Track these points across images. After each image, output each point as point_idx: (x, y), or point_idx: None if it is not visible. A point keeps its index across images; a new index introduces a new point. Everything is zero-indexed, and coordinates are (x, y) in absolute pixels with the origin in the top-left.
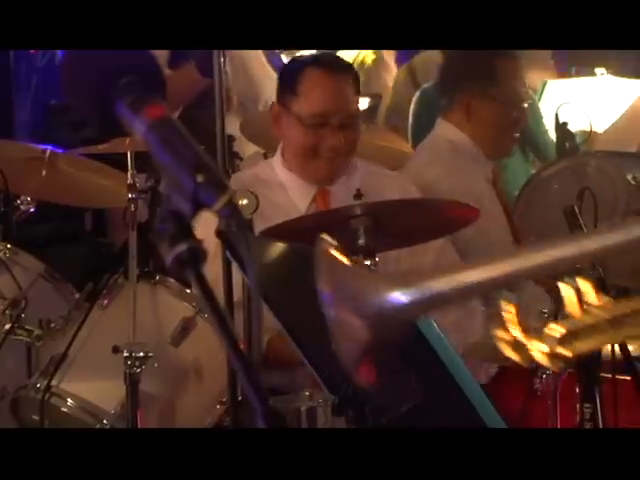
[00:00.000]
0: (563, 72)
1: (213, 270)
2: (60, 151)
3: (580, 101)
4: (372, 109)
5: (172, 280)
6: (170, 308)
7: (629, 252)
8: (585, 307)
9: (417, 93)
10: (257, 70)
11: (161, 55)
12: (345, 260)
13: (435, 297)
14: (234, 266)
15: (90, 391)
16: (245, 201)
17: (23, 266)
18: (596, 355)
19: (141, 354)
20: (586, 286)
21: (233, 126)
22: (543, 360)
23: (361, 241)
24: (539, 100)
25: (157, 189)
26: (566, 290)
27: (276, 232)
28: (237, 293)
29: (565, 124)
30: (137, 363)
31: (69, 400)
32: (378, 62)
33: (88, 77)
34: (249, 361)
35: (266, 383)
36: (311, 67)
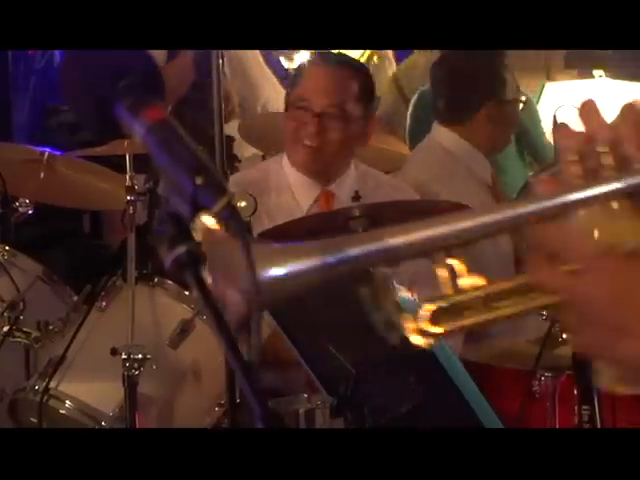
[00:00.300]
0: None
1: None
2: (58, 153)
3: (578, 104)
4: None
5: (170, 282)
6: (168, 310)
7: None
8: (460, 286)
9: (415, 96)
10: (255, 72)
11: (159, 56)
12: (225, 235)
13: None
14: None
15: (88, 393)
16: (243, 203)
17: (21, 268)
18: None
19: (139, 356)
20: (460, 265)
21: (231, 128)
22: (416, 339)
23: None
24: (537, 102)
25: (155, 191)
26: (440, 269)
27: (275, 234)
28: None
29: (564, 124)
30: (135, 365)
31: (67, 402)
32: (383, 61)
33: (87, 79)
34: (247, 363)
35: (264, 385)
36: (313, 62)
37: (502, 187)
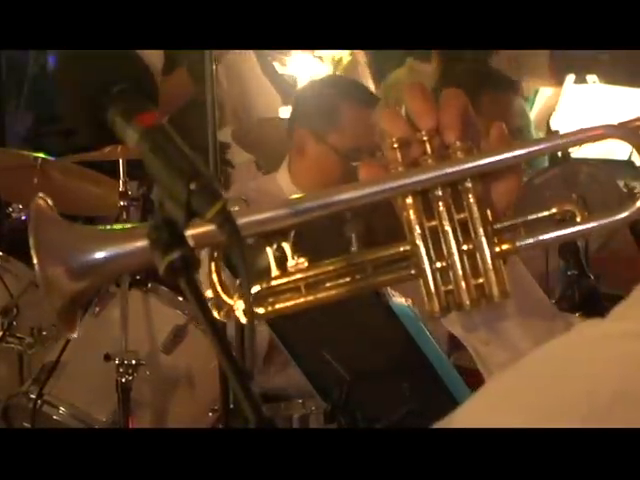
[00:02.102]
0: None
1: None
2: (52, 159)
3: (572, 109)
4: None
5: (164, 288)
6: (162, 316)
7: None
8: (287, 268)
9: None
10: (251, 78)
11: (155, 64)
12: (55, 215)
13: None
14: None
15: (82, 399)
16: (236, 208)
17: (14, 274)
18: None
19: (133, 362)
20: (286, 248)
21: (224, 134)
22: (242, 317)
23: (354, 249)
24: (531, 107)
25: (149, 196)
26: (270, 251)
27: None
28: None
29: (557, 132)
30: (129, 371)
31: (61, 408)
32: (354, 62)
33: (79, 84)
34: (241, 369)
35: (259, 390)
36: (349, 101)
37: None
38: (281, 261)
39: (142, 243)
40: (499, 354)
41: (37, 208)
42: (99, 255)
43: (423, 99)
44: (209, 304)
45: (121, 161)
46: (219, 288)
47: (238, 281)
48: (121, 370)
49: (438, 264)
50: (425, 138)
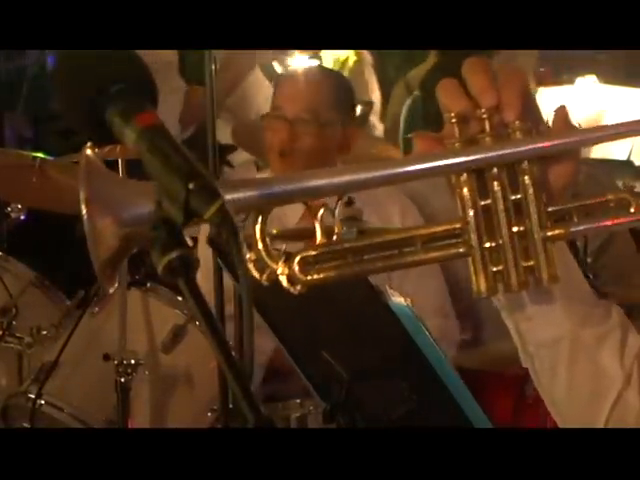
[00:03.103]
0: (554, 80)
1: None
2: (51, 158)
3: (571, 108)
4: (363, 117)
5: (163, 287)
6: (161, 315)
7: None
8: (334, 236)
9: (408, 101)
10: (250, 77)
11: (169, 56)
12: (105, 169)
13: None
14: (225, 274)
15: (81, 398)
16: None
17: (13, 273)
18: None
19: (132, 362)
20: (335, 216)
21: (221, 133)
22: (284, 282)
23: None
24: None
25: None
26: (317, 218)
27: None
28: (228, 299)
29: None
30: (128, 370)
31: (60, 407)
32: (360, 63)
33: (78, 84)
34: (240, 369)
35: (257, 391)
36: (287, 73)
37: None
38: (328, 229)
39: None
40: (541, 331)
41: (87, 159)
42: (149, 209)
43: (485, 76)
44: (249, 265)
45: (120, 161)
46: (264, 252)
47: (284, 247)
48: (120, 370)
49: (488, 244)
50: (485, 116)
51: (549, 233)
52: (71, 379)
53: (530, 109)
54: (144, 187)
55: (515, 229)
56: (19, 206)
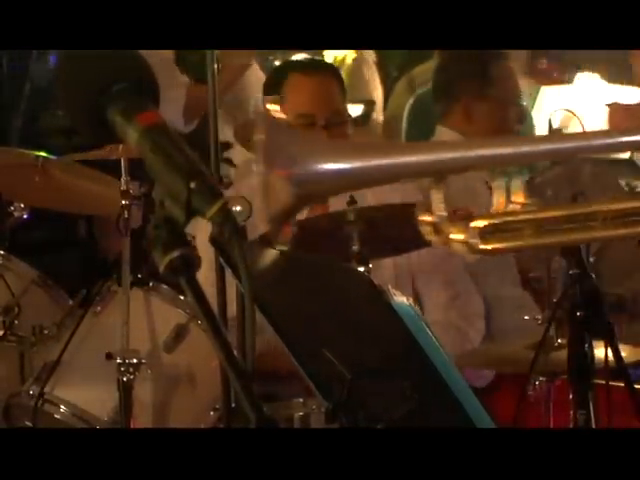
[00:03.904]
0: (557, 78)
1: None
2: (53, 158)
3: (573, 107)
4: (365, 115)
5: (165, 287)
6: (163, 315)
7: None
8: (511, 207)
9: (411, 100)
10: (251, 76)
11: (167, 55)
12: (285, 121)
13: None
14: (228, 273)
15: (83, 398)
16: (239, 208)
17: (16, 272)
18: (589, 361)
19: (134, 361)
20: (516, 187)
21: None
22: (458, 247)
23: (354, 247)
24: (532, 106)
25: (151, 195)
26: (497, 188)
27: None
28: (230, 300)
29: (558, 130)
30: (130, 370)
31: (62, 407)
32: (359, 62)
33: (80, 83)
34: (242, 368)
35: (259, 390)
36: (293, 72)
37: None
38: (506, 199)
39: (377, 161)
40: None
41: (267, 112)
42: (328, 166)
43: None
44: (425, 227)
45: (123, 160)
46: (444, 214)
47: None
48: (122, 369)
49: None
50: None
51: None
52: (73, 378)
53: None
54: (322, 145)
55: None
56: (22, 205)
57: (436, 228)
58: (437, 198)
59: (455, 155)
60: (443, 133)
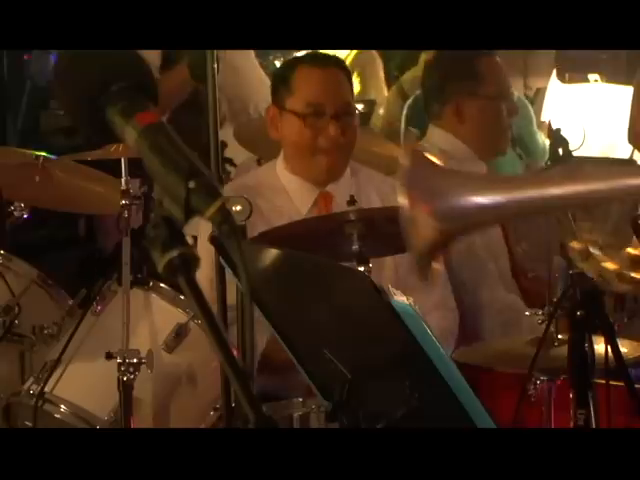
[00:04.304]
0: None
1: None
2: (53, 157)
3: (574, 107)
4: (366, 115)
5: (165, 286)
6: (164, 314)
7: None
8: None
9: (409, 100)
10: (251, 75)
11: (153, 60)
12: (434, 160)
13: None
14: (227, 272)
15: (83, 397)
16: (239, 207)
17: (16, 272)
18: (590, 361)
19: (134, 360)
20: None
21: (224, 133)
22: (610, 277)
23: (355, 247)
24: (532, 105)
25: (151, 195)
26: None
27: (269, 238)
28: (230, 299)
29: (559, 130)
30: (130, 369)
31: (62, 406)
32: (364, 61)
33: (80, 83)
34: (242, 368)
35: (259, 389)
36: (303, 64)
37: None
38: None
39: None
40: None
41: (415, 151)
42: (470, 201)
43: None
44: (574, 254)
45: (123, 159)
46: (596, 247)
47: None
48: (123, 369)
49: None
50: None
51: None
52: (73, 378)
53: None
54: (469, 180)
55: None
56: (22, 205)
57: (586, 255)
58: (585, 226)
59: (600, 187)
60: (436, 133)
